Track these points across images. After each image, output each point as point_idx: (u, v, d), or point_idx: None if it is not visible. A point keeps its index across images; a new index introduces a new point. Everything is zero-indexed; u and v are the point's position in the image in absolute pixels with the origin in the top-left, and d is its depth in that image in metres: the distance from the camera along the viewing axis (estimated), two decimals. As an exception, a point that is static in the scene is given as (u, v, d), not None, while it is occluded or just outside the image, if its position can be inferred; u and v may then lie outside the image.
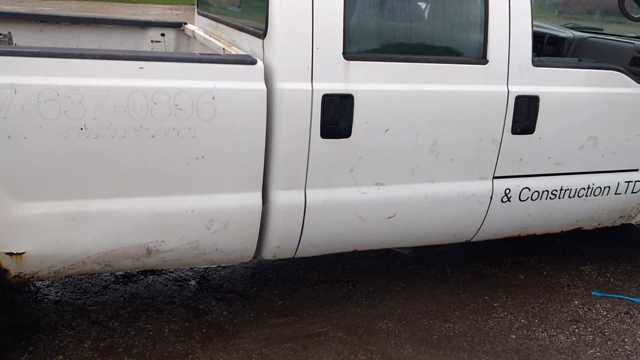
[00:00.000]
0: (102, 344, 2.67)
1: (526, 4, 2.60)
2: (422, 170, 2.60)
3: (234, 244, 2.44)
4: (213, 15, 3.34)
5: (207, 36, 3.09)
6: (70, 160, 2.11)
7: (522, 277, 3.55)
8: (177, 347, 2.69)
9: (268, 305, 3.08)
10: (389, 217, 2.62)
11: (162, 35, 3.67)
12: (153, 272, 3.41)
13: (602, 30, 4.04)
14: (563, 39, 3.70)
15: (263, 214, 2.43)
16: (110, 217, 2.22)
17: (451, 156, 2.62)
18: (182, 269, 3.42)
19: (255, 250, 2.54)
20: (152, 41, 3.65)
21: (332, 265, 3.55)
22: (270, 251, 2.55)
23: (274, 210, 2.43)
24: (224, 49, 2.65)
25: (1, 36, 2.87)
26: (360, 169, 2.49)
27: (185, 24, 3.74)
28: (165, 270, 3.42)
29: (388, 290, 3.31)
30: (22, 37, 3.29)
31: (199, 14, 3.71)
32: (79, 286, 3.16)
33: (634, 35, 3.60)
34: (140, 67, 2.12)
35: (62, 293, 3.09)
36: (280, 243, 2.52)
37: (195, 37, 3.38)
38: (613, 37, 3.69)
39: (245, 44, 2.61)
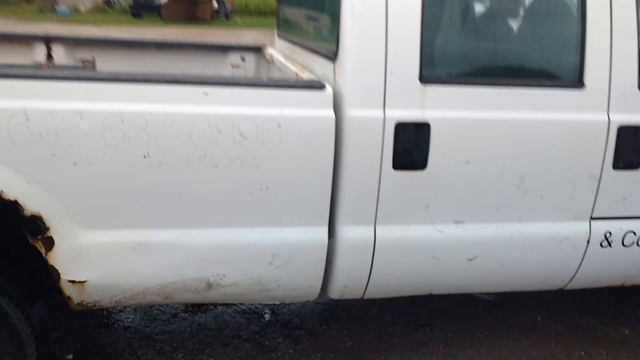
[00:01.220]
0: (163, 377, 2.62)
1: (631, 19, 2.31)
2: (508, 208, 2.34)
3: (298, 280, 2.29)
4: (291, 38, 3.28)
5: (283, 60, 3.03)
6: (132, 188, 2.06)
7: (627, 331, 3.19)
8: (237, 386, 2.59)
9: (336, 346, 2.93)
10: (469, 259, 2.38)
11: (243, 59, 3.66)
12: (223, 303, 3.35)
13: None
14: None
15: (329, 250, 2.27)
16: (171, 248, 2.15)
17: (541, 193, 2.34)
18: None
19: (321, 289, 2.37)
20: (232, 65, 3.65)
21: (408, 306, 3.32)
22: (337, 290, 2.37)
23: (341, 247, 2.27)
24: (296, 73, 2.55)
25: (86, 62, 2.95)
26: (437, 204, 2.28)
27: (265, 47, 3.71)
28: (235, 302, 3.36)
29: (469, 337, 3.06)
30: (108, 62, 3.37)
31: (278, 36, 3.67)
32: (149, 313, 3.15)
33: None
34: (204, 93, 2.06)
35: (133, 319, 3.09)
36: (348, 282, 2.35)
37: (273, 61, 3.34)
38: None
39: (318, 67, 2.51)
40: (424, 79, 2.18)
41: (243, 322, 3.15)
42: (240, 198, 2.14)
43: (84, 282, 2.12)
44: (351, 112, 2.15)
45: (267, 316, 3.24)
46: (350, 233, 2.26)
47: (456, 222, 2.33)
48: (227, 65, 3.64)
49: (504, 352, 2.92)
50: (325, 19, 2.71)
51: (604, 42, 2.29)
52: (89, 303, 2.20)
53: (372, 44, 2.14)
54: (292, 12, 3.60)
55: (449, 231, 2.33)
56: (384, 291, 2.45)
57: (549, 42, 2.36)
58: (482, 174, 2.27)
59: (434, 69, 2.25)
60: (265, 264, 2.23)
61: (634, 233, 2.52)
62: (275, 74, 3.25)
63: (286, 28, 3.58)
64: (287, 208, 2.19)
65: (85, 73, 2.20)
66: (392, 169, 2.18)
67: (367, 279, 2.34)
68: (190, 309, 3.20)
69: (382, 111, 2.16)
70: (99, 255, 2.10)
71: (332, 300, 3.36)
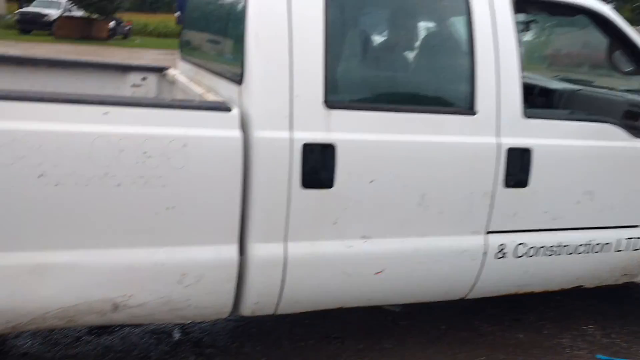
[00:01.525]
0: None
1: (514, 54, 2.51)
2: (411, 224, 2.45)
3: (209, 299, 2.27)
4: (194, 60, 3.26)
5: (187, 81, 3.00)
6: (27, 208, 1.97)
7: (521, 335, 3.34)
8: (146, 410, 2.50)
9: None
10: (376, 273, 2.45)
11: (144, 79, 3.57)
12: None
13: (593, 82, 3.95)
14: (554, 90, 3.60)
15: (240, 268, 2.27)
16: (72, 270, 2.07)
17: (441, 209, 2.46)
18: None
19: (233, 306, 2.36)
20: (133, 85, 3.55)
21: (319, 319, 3.33)
22: (249, 307, 2.37)
23: (252, 264, 2.27)
24: (201, 95, 2.55)
25: None
26: (344, 220, 2.34)
27: (167, 68, 3.65)
28: (144, 322, 3.26)
29: (379, 348, 3.11)
30: (-4, 79, 3.19)
31: (181, 58, 3.63)
32: (49, 337, 2.96)
33: (625, 88, 3.51)
34: (104, 113, 2.01)
35: (31, 344, 2.90)
36: (259, 299, 2.35)
37: (176, 83, 3.30)
38: (604, 90, 3.60)
39: (223, 90, 2.51)
40: (329, 103, 2.25)
41: (152, 342, 3.04)
42: (146, 217, 2.10)
43: (-26, 308, 2.01)
44: (259, 133, 2.17)
45: (177, 335, 3.15)
46: (261, 250, 2.27)
47: (363, 237, 2.39)
48: (127, 85, 3.54)
49: None
50: (230, 44, 2.72)
51: (492, 73, 2.46)
52: (-19, 330, 2.08)
53: (277, 70, 2.19)
54: (196, 36, 3.58)
55: (356, 246, 2.39)
56: (295, 306, 2.47)
57: (444, 71, 2.51)
58: (386, 191, 2.35)
59: (338, 94, 2.32)
60: (174, 284, 2.19)
61: (524, 245, 2.69)
62: (179, 95, 3.21)
63: (190, 50, 3.55)
64: (196, 227, 2.17)
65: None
66: (300, 188, 2.22)
67: (278, 295, 2.35)
68: (95, 331, 3.05)
69: (288, 133, 2.20)
70: None
71: (243, 317, 3.37)
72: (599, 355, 3.15)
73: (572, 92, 3.48)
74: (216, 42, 3.05)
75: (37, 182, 1.95)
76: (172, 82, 3.38)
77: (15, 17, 25.80)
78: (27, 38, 23.49)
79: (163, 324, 3.22)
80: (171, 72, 3.51)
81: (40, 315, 2.09)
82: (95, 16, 24.50)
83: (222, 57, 2.89)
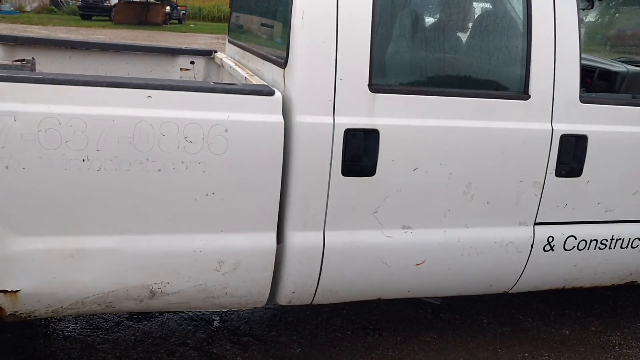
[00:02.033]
0: (104, 389, 2.51)
1: (574, 33, 2.37)
2: (455, 214, 2.36)
3: (245, 287, 2.24)
4: (241, 43, 3.23)
5: (233, 65, 2.96)
6: (70, 193, 1.97)
7: (567, 332, 3.24)
8: (182, 397, 2.50)
9: (285, 353, 2.88)
10: (417, 264, 2.39)
11: (192, 63, 3.59)
12: (170, 309, 3.27)
13: None
14: (615, 73, 3.39)
15: (277, 256, 2.23)
16: (111, 256, 2.07)
17: (487, 199, 2.37)
18: (198, 308, 3.27)
19: (269, 295, 2.33)
20: (181, 69, 3.57)
21: (357, 310, 3.30)
22: (285, 296, 2.34)
23: (290, 253, 2.23)
24: (246, 78, 2.50)
25: (24, 61, 2.81)
26: (385, 210, 2.27)
27: (216, 51, 3.64)
28: (182, 308, 3.27)
29: (417, 341, 3.05)
30: (50, 63, 3.24)
31: (229, 41, 3.61)
32: (90, 321, 3.01)
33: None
34: (148, 96, 1.98)
35: (73, 328, 2.95)
36: (296, 288, 2.31)
37: (223, 66, 3.27)
38: None
39: (268, 73, 2.46)
40: (374, 87, 2.17)
41: (190, 329, 3.05)
42: (185, 203, 2.08)
43: (17, 291, 2.01)
44: (300, 118, 2.12)
45: (215, 323, 3.15)
46: (299, 239, 2.23)
47: (404, 227, 2.33)
48: (176, 69, 3.56)
49: (452, 355, 2.93)
50: (276, 26, 2.68)
51: (548, 56, 2.34)
52: (23, 314, 2.08)
53: (322, 52, 2.12)
54: (244, 18, 3.55)
55: (397, 236, 2.33)
56: (332, 297, 2.42)
57: (495, 54, 2.39)
58: (430, 180, 2.28)
59: (384, 77, 2.25)
60: (211, 271, 2.17)
61: (575, 237, 2.59)
62: (226, 79, 3.19)
63: (237, 33, 3.52)
64: (234, 214, 2.14)
65: (20, 73, 2.08)
66: (341, 175, 2.17)
67: (316, 284, 2.31)
68: (134, 316, 3.08)
69: (331, 117, 2.13)
70: (34, 263, 2.00)
71: (281, 306, 3.34)
72: (651, 355, 3.02)
73: (636, 75, 3.29)
74: (262, 25, 3.01)
75: (80, 166, 1.94)
76: (220, 66, 3.36)
77: (77, 4, 27.02)
78: (88, 24, 24.36)
79: (201, 311, 3.24)
80: (219, 55, 3.49)
81: (80, 300, 2.10)
82: (151, 1, 25.09)
83: (267, 39, 2.85)
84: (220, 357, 2.80)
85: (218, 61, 3.44)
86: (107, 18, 25.15)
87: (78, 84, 1.96)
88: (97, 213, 2.02)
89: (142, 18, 24.51)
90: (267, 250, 2.20)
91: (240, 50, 3.18)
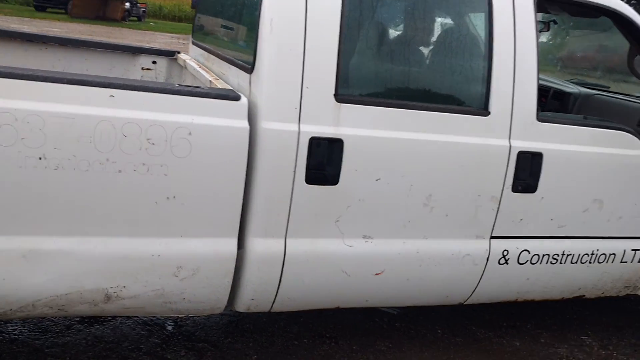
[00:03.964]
0: (51, 395, 2.45)
1: (532, 54, 2.47)
2: (415, 225, 2.42)
3: (204, 293, 2.23)
4: (206, 46, 3.22)
5: (197, 67, 2.96)
6: (25, 192, 1.93)
7: (518, 343, 3.34)
8: (134, 404, 2.46)
9: (241, 359, 2.87)
10: (376, 274, 2.43)
11: (154, 62, 3.56)
12: (123, 314, 3.22)
13: (609, 87, 3.93)
14: (569, 94, 3.57)
15: (238, 263, 2.23)
16: (66, 258, 2.03)
17: (446, 212, 2.44)
18: (153, 313, 3.24)
19: (227, 302, 2.33)
20: (142, 68, 3.54)
21: (314, 318, 3.33)
22: (244, 303, 2.34)
23: (250, 259, 2.24)
24: (210, 81, 2.50)
25: None
26: (347, 219, 2.30)
27: (179, 52, 3.63)
28: (136, 313, 3.23)
29: (373, 350, 3.10)
30: (3, 56, 3.14)
31: (193, 43, 3.60)
32: (39, 325, 2.93)
33: (642, 94, 3.50)
34: (110, 95, 1.96)
35: (20, 331, 2.86)
36: (255, 295, 2.32)
37: (186, 68, 3.26)
38: (620, 96, 3.58)
39: (233, 78, 2.47)
40: (339, 97, 2.21)
41: (144, 334, 3.01)
42: (145, 206, 2.06)
43: (-36, 293, 1.96)
44: (266, 125, 2.13)
45: (169, 328, 3.12)
46: (260, 245, 2.24)
47: (365, 237, 2.37)
48: (137, 68, 3.53)
49: None
50: (243, 31, 2.69)
51: (508, 76, 2.43)
52: (-32, 316, 2.03)
53: (290, 60, 2.14)
54: (210, 20, 3.55)
55: (357, 245, 2.36)
56: (291, 305, 2.44)
57: (458, 71, 2.48)
58: (392, 191, 2.32)
59: (350, 88, 2.29)
60: (169, 276, 2.15)
61: (528, 252, 2.68)
62: (188, 81, 3.17)
63: (202, 35, 3.52)
64: (195, 218, 2.13)
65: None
66: (305, 183, 2.19)
67: (275, 292, 2.32)
68: (86, 320, 3.02)
69: (297, 125, 2.16)
70: None
71: (238, 312, 3.33)
72: (596, 367, 3.15)
73: (587, 97, 3.45)
74: (229, 28, 3.02)
75: (36, 164, 1.90)
76: (183, 67, 3.35)
77: (32, -6, 26.12)
78: (42, 15, 23.69)
79: (155, 316, 3.20)
80: (182, 56, 3.48)
81: (31, 303, 2.05)
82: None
83: (234, 43, 2.86)
84: (174, 364, 2.78)
85: (181, 62, 3.43)
86: (63, 11, 24.56)
87: (37, 79, 1.92)
88: (53, 213, 1.98)
89: (100, 13, 24.09)
90: (228, 257, 2.20)
91: (205, 53, 3.17)
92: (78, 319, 3.02)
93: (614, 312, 3.87)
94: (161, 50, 3.68)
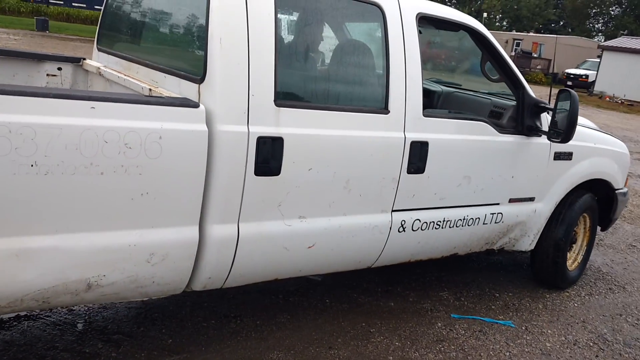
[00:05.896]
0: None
1: (417, 63, 3.48)
2: (337, 205, 3.29)
3: (170, 276, 2.85)
4: (122, 54, 3.71)
5: (121, 75, 3.47)
6: (19, 196, 2.40)
7: (392, 304, 4.36)
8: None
9: (158, 344, 3.43)
10: (309, 247, 3.26)
11: (59, 69, 3.91)
12: (27, 317, 3.58)
13: (461, 85, 5.28)
14: (434, 92, 4.85)
15: (199, 247, 2.89)
16: (55, 253, 2.52)
17: (360, 192, 3.35)
18: (59, 313, 3.68)
19: (188, 282, 2.99)
20: (47, 74, 3.87)
21: (216, 301, 4.01)
22: (201, 282, 3.01)
23: (210, 243, 2.90)
24: (150, 89, 3.08)
25: None
26: (286, 203, 3.09)
27: (84, 59, 4.03)
28: (42, 314, 3.63)
29: (275, 322, 3.87)
30: None
31: (99, 50, 4.05)
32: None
33: (486, 91, 4.97)
34: (92, 107, 2.50)
35: None
36: (212, 274, 2.99)
37: (102, 75, 3.70)
38: (472, 93, 4.87)
39: (172, 86, 3.07)
40: (278, 102, 2.96)
41: (56, 333, 3.42)
42: (123, 202, 2.62)
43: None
44: (221, 127, 2.79)
45: (80, 325, 3.57)
46: (218, 231, 2.91)
47: (300, 217, 3.17)
48: (42, 75, 3.84)
49: (305, 330, 3.81)
50: (184, 44, 3.31)
51: (401, 81, 3.42)
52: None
53: (238, 73, 2.83)
54: (128, 28, 4.01)
55: (294, 225, 3.16)
56: (240, 280, 3.14)
57: (366, 78, 3.44)
58: (320, 178, 3.15)
59: (285, 95, 3.04)
60: (143, 263, 2.73)
61: (419, 220, 3.72)
62: (97, 86, 3.61)
63: (113, 42, 3.96)
64: (165, 210, 2.73)
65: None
66: (254, 175, 2.92)
67: (229, 270, 3.01)
68: (-10, 329, 3.24)
69: (246, 127, 2.87)
70: None
71: (145, 302, 4.03)
72: (454, 315, 4.34)
73: (448, 94, 4.80)
74: (164, 40, 3.56)
75: (29, 171, 2.37)
76: (92, 73, 3.75)
77: None
78: None
79: (63, 314, 3.66)
80: (90, 62, 3.90)
81: (19, 297, 2.50)
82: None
83: (172, 55, 3.43)
84: (95, 356, 3.25)
85: (91, 69, 3.86)
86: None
87: (27, 94, 2.38)
88: (43, 214, 2.45)
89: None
90: (191, 242, 2.84)
91: (121, 60, 3.68)
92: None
93: (462, 272, 5.18)
94: (66, 57, 4.02)
